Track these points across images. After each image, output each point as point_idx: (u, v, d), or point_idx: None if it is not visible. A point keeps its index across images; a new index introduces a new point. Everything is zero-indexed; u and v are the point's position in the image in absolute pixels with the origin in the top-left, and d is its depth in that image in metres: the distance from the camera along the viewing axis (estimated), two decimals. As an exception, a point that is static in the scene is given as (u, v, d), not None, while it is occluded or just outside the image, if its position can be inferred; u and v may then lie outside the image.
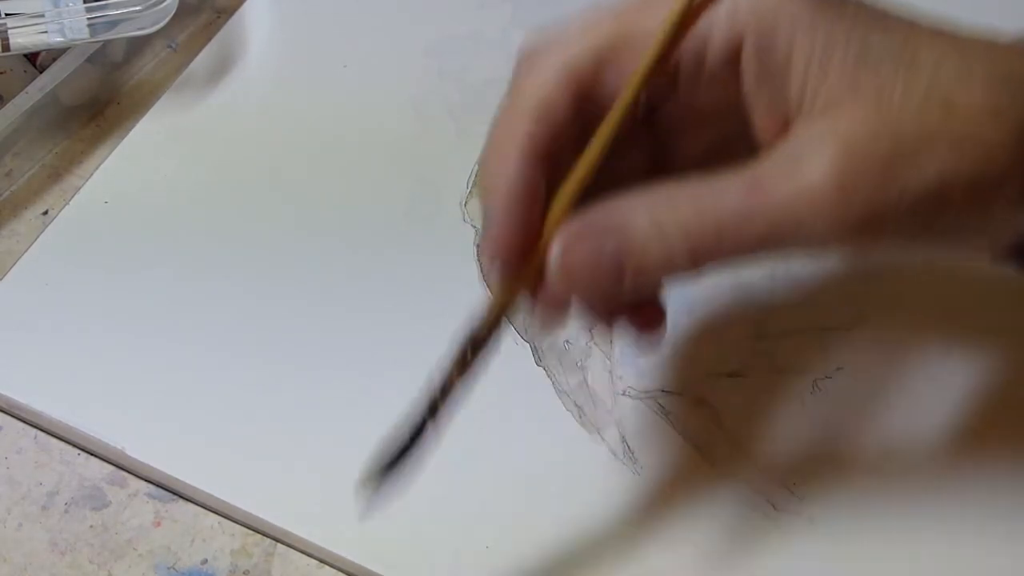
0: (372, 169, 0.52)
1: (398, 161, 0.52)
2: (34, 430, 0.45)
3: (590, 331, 0.47)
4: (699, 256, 0.32)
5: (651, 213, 0.32)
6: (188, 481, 0.43)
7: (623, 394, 0.46)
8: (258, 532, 0.44)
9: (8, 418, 0.46)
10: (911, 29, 0.32)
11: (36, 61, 0.53)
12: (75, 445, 0.45)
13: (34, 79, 0.51)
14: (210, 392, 0.45)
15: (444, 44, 0.56)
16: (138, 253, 0.49)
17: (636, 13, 0.34)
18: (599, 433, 0.45)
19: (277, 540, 0.43)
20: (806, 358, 0.47)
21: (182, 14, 0.54)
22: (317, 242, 0.49)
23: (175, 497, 0.44)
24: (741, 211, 0.31)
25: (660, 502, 0.43)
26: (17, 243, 0.50)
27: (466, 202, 0.51)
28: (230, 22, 0.56)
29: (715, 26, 0.33)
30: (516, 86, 0.36)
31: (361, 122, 0.53)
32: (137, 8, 0.49)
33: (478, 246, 0.48)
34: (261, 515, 0.43)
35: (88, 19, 0.50)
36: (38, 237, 0.49)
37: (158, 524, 0.43)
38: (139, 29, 0.50)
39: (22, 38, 0.49)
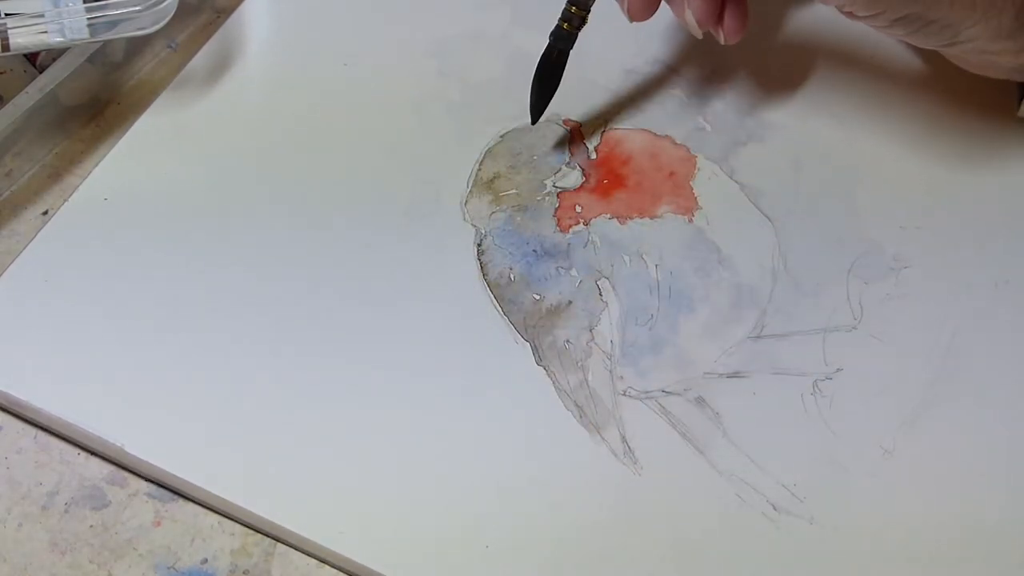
0: (372, 168, 0.52)
1: (398, 161, 0.52)
2: (34, 430, 0.45)
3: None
4: None
5: None
6: (188, 479, 0.43)
7: (623, 394, 0.46)
8: (258, 532, 0.44)
9: (8, 418, 0.46)
10: None
11: (36, 61, 0.53)
12: (75, 443, 0.45)
13: (34, 79, 0.51)
14: (210, 390, 0.45)
15: (444, 44, 0.56)
16: (137, 250, 0.49)
17: None
18: (599, 433, 0.45)
19: (277, 540, 0.43)
20: (806, 358, 0.47)
21: (182, 14, 0.54)
22: (317, 241, 0.49)
23: (175, 497, 0.44)
24: None
25: (660, 502, 0.44)
26: (17, 243, 0.50)
27: (466, 202, 0.51)
28: (229, 21, 0.56)
29: None
30: None
31: (361, 121, 0.53)
32: (137, 8, 0.49)
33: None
34: (261, 514, 0.43)
35: (88, 19, 0.49)
36: (37, 235, 0.49)
37: (158, 524, 0.43)
38: (139, 29, 0.50)
39: (22, 38, 0.49)
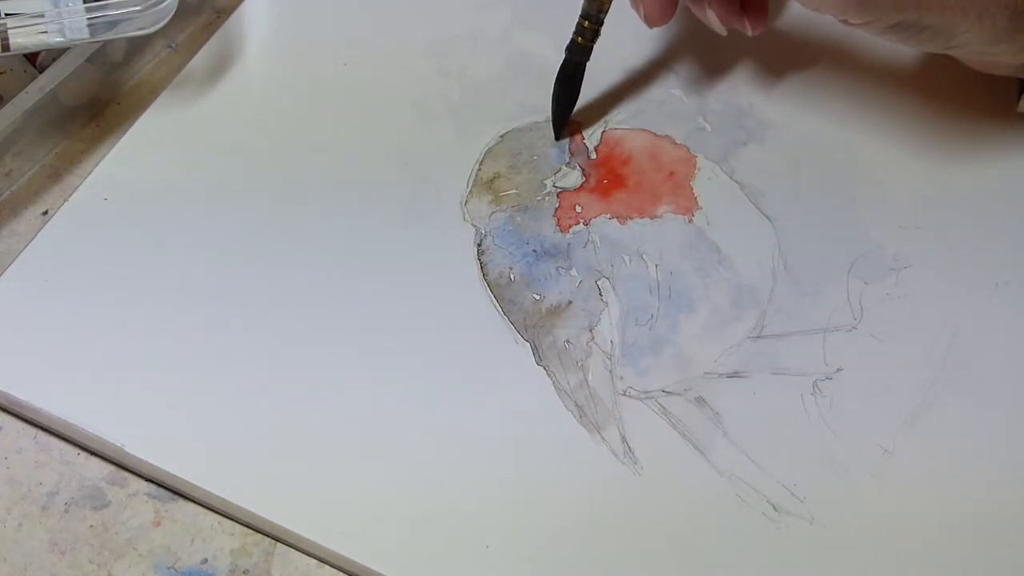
0: (372, 168, 0.52)
1: (398, 161, 0.52)
2: (34, 430, 0.45)
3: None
4: None
5: None
6: (188, 479, 0.43)
7: (623, 394, 0.46)
8: (258, 532, 0.44)
9: (8, 418, 0.46)
10: None
11: (36, 61, 0.53)
12: (75, 443, 0.45)
13: (34, 79, 0.51)
14: (210, 390, 0.45)
15: (444, 44, 0.56)
16: (137, 251, 0.49)
17: None
18: (599, 433, 0.45)
19: (277, 540, 0.43)
20: (806, 358, 0.47)
21: (182, 14, 0.54)
22: (316, 241, 0.49)
23: (175, 497, 0.44)
24: None
25: (660, 502, 0.44)
26: (17, 243, 0.50)
27: (466, 202, 0.51)
28: (229, 21, 0.56)
29: None
30: None
31: (361, 121, 0.53)
32: (137, 8, 0.49)
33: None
34: (261, 514, 0.43)
35: (88, 19, 0.49)
36: (36, 234, 0.49)
37: (158, 524, 0.43)
38: (139, 29, 0.50)
39: (22, 38, 0.49)
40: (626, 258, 0.49)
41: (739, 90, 0.54)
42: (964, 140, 0.52)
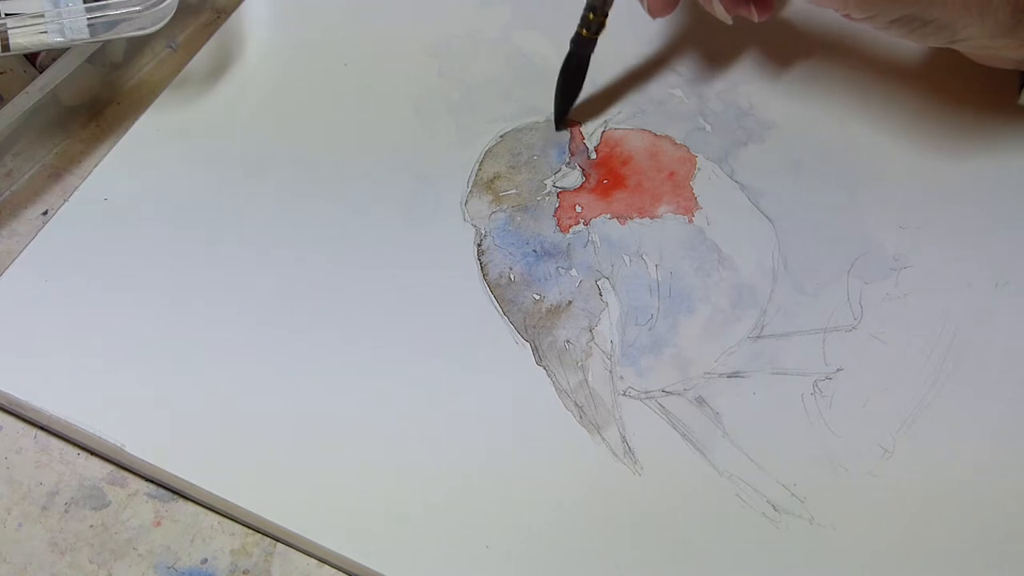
0: (372, 168, 0.52)
1: (398, 161, 0.52)
2: (34, 430, 0.45)
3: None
4: None
5: None
6: (188, 479, 0.43)
7: (623, 394, 0.46)
8: (258, 532, 0.44)
9: (8, 418, 0.46)
10: None
11: (36, 61, 0.53)
12: (75, 443, 0.45)
13: (34, 79, 0.51)
14: (210, 390, 0.45)
15: (444, 44, 0.56)
16: (138, 251, 0.49)
17: None
18: (599, 433, 0.45)
19: (277, 540, 0.43)
20: (806, 358, 0.47)
21: (182, 14, 0.54)
22: (317, 242, 0.49)
23: (175, 497, 0.44)
24: None
25: (660, 502, 0.44)
26: (17, 243, 0.50)
27: (466, 202, 0.51)
28: (229, 21, 0.56)
29: None
30: None
31: (361, 121, 0.53)
32: (137, 8, 0.49)
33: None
34: (261, 514, 0.43)
35: (88, 19, 0.49)
36: (37, 235, 0.49)
37: (158, 524, 0.43)
38: (139, 29, 0.50)
39: (22, 38, 0.49)
40: (626, 258, 0.49)
41: (739, 90, 0.54)
42: (965, 141, 0.52)
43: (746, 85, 0.54)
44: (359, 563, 0.42)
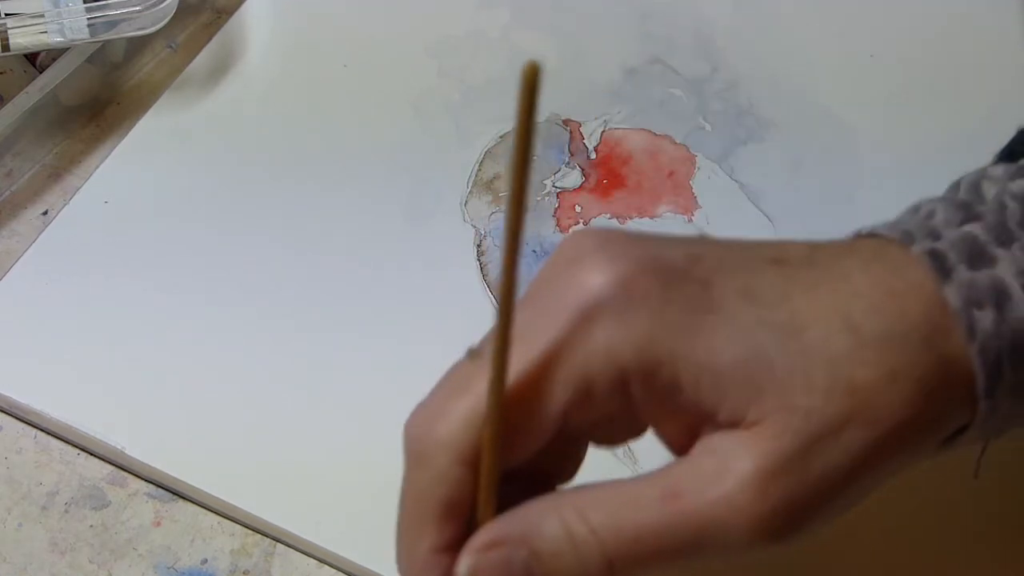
0: (372, 169, 0.52)
1: (398, 161, 0.52)
2: (34, 430, 0.45)
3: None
4: (617, 565, 0.31)
5: (563, 520, 0.31)
6: (188, 481, 0.43)
7: (623, 394, 0.46)
8: (258, 532, 0.44)
9: (8, 418, 0.46)
10: (779, 291, 0.31)
11: (36, 61, 0.53)
12: (75, 445, 0.45)
13: (34, 79, 0.51)
14: (210, 392, 0.45)
15: (444, 44, 0.56)
16: (138, 253, 0.49)
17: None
18: (599, 433, 0.45)
19: (277, 540, 0.43)
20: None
21: (182, 14, 0.54)
22: (317, 242, 0.49)
23: (175, 497, 0.44)
24: (661, 521, 0.31)
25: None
26: (17, 243, 0.50)
27: (466, 202, 0.51)
28: (230, 22, 0.56)
29: (594, 366, 0.31)
30: (411, 483, 0.35)
31: (361, 121, 0.53)
32: (137, 8, 0.49)
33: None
34: (261, 515, 0.43)
35: (88, 19, 0.49)
36: (38, 237, 0.49)
37: (158, 524, 0.43)
38: (139, 29, 0.50)
39: (22, 38, 0.49)
40: (626, 258, 0.49)
41: (739, 90, 0.54)
42: (965, 141, 0.52)
43: (746, 85, 0.54)
44: (359, 564, 0.42)
